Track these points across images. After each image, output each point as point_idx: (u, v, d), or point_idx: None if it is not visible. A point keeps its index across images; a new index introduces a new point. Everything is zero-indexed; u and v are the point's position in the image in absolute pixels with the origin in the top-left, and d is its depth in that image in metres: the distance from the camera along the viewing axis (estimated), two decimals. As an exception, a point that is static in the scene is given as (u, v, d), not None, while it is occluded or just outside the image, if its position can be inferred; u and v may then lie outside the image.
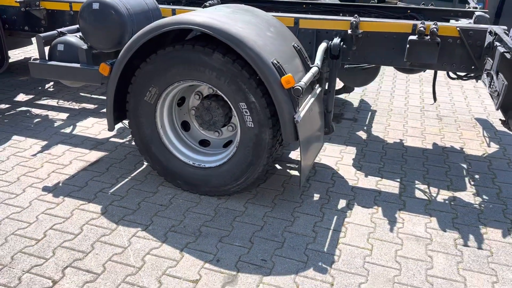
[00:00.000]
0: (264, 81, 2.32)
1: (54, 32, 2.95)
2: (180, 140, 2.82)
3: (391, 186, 2.97)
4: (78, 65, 2.77)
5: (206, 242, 2.36)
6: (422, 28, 2.57)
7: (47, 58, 2.90)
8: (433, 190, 2.93)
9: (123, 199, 2.73)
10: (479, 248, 2.38)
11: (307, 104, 2.56)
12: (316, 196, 2.82)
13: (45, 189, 2.81)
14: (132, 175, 3.01)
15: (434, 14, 3.51)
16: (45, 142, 3.45)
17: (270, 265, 2.21)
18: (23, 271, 2.12)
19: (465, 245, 2.40)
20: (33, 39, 4.71)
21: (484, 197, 2.87)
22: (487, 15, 3.01)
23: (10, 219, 2.50)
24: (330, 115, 3.02)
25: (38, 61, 2.88)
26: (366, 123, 4.01)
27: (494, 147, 3.58)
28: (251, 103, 2.43)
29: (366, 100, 4.61)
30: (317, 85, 2.83)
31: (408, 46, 2.64)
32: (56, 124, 3.79)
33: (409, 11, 3.56)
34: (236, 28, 2.36)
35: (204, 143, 2.93)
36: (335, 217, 2.62)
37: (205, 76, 2.46)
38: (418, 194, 2.88)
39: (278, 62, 2.35)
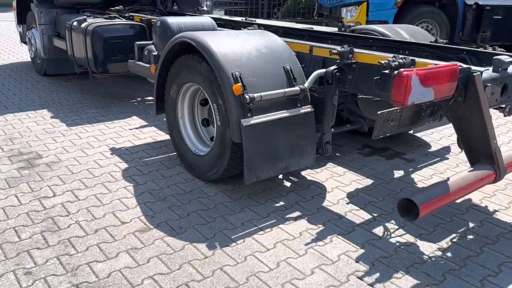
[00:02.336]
0: (222, 87, 2.84)
1: (149, 41, 4.08)
2: (194, 131, 3.52)
3: (359, 217, 2.95)
4: (147, 65, 3.82)
5: (158, 205, 3.00)
6: (384, 62, 2.56)
7: (137, 59, 4.06)
8: (399, 232, 2.78)
9: (146, 166, 3.60)
10: (359, 278, 2.29)
11: (273, 116, 2.90)
12: (278, 203, 3.08)
13: (111, 149, 3.93)
14: (170, 154, 3.85)
15: (489, 57, 3.18)
16: (145, 123, 4.64)
17: (181, 232, 2.70)
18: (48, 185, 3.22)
19: (359, 277, 2.34)
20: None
21: (448, 254, 2.57)
22: (508, 59, 2.66)
23: (72, 158, 3.70)
24: (324, 137, 3.20)
25: (132, 61, 4.07)
26: (418, 166, 3.81)
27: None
28: (219, 105, 2.96)
29: (453, 147, 4.25)
30: (307, 105, 3.08)
31: (375, 78, 2.67)
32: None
33: (464, 52, 3.32)
34: (217, 45, 2.94)
35: (216, 138, 3.56)
36: (272, 221, 2.86)
37: (197, 80, 3.13)
38: (377, 230, 2.80)
39: (240, 74, 2.83)
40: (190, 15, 5.93)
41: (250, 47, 3.05)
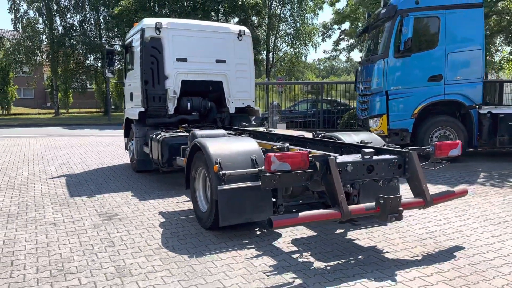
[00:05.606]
0: (209, 167, 4.95)
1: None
2: (205, 197, 5.58)
3: (289, 249, 4.64)
4: (183, 159, 6.12)
5: (172, 239, 5.01)
6: (274, 148, 4.49)
7: (181, 156, 6.40)
8: (308, 257, 4.42)
9: (175, 220, 5.69)
10: (264, 272, 3.99)
11: (240, 185, 4.88)
12: (244, 241, 4.89)
13: (160, 212, 6.13)
14: (193, 216, 5.90)
15: (386, 151, 4.90)
16: (188, 199, 6.82)
17: (178, 250, 4.66)
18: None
19: (264, 272, 4.05)
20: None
21: (328, 268, 4.16)
22: (369, 150, 4.41)
23: (135, 216, 5.94)
24: (278, 201, 5.03)
25: (178, 157, 6.43)
26: (359, 228, 5.37)
27: None
28: (210, 178, 5.04)
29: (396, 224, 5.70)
30: (264, 180, 5.01)
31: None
32: (205, 195, 7.14)
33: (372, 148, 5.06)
34: (211, 145, 5.11)
35: (219, 204, 5.57)
36: (233, 248, 4.68)
37: (202, 165, 5.29)
38: (295, 255, 4.46)
39: (220, 160, 4.92)
40: (237, 128, 8.34)
41: (232, 146, 5.19)
